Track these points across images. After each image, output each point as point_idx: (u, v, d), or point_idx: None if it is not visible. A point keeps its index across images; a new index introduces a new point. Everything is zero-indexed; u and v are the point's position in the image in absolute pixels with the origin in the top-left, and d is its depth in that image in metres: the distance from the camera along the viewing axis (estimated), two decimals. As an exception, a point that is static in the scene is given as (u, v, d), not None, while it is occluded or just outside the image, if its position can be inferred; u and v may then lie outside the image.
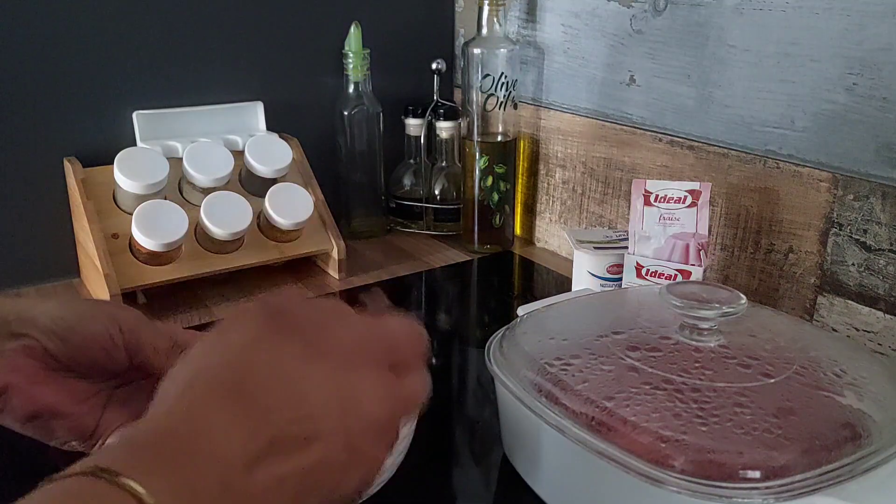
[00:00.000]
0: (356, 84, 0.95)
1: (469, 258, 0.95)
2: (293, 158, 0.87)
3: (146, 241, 0.74)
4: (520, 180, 1.00)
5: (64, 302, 0.40)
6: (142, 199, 0.77)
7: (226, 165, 0.81)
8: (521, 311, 0.62)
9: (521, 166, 1.00)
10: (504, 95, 0.91)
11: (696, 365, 0.46)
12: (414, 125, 1.00)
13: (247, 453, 0.27)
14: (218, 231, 0.77)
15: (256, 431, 0.27)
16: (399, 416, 0.32)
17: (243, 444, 0.27)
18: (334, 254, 0.87)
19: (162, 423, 0.27)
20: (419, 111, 0.99)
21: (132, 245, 0.77)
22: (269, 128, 0.92)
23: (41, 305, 0.39)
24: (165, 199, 0.78)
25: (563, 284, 0.86)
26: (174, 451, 0.26)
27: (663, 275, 0.68)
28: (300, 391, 0.29)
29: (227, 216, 0.78)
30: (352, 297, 0.83)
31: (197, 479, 0.25)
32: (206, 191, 0.80)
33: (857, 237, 0.65)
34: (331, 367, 0.30)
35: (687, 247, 0.67)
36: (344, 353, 0.31)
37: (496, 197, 0.94)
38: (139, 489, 0.24)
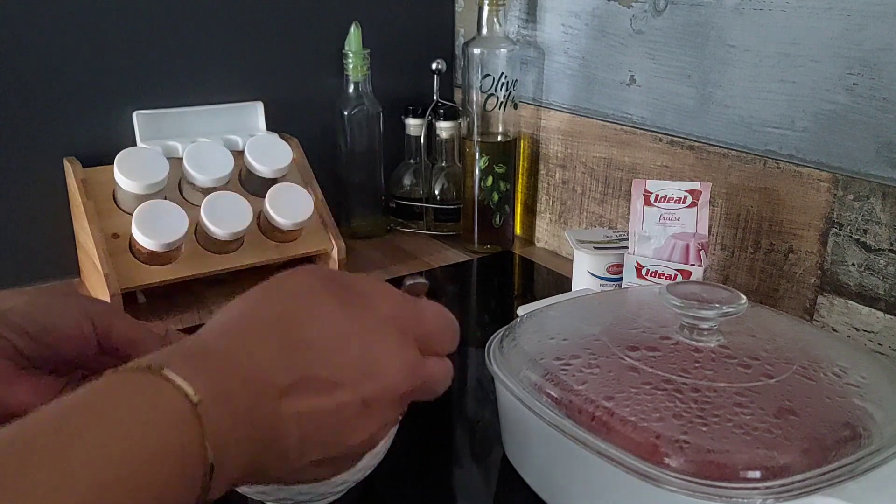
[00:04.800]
0: (356, 84, 0.95)
1: (469, 258, 0.95)
2: (293, 158, 0.87)
3: (146, 241, 0.74)
4: (520, 180, 1.00)
5: (33, 297, 0.40)
6: (142, 199, 0.77)
7: (226, 165, 0.81)
8: (521, 311, 0.62)
9: (521, 166, 1.00)
10: (504, 95, 0.91)
11: (696, 365, 0.46)
12: (414, 125, 1.00)
13: (280, 381, 0.30)
14: (218, 231, 0.77)
15: (292, 365, 0.31)
16: (413, 391, 0.34)
17: (279, 373, 0.30)
18: (334, 254, 0.87)
19: (210, 341, 0.30)
20: (419, 111, 0.99)
21: (132, 245, 0.77)
22: (269, 128, 0.92)
23: (9, 302, 0.38)
24: (165, 199, 0.78)
25: (563, 284, 0.86)
26: (219, 363, 0.29)
27: (663, 275, 0.68)
28: (336, 342, 0.32)
29: (227, 216, 0.78)
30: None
31: (235, 390, 0.29)
32: (206, 191, 0.80)
33: (858, 237, 0.65)
34: (366, 329, 0.33)
35: (687, 247, 0.67)
36: (381, 320, 0.34)
37: (496, 197, 0.94)
38: (185, 385, 0.27)
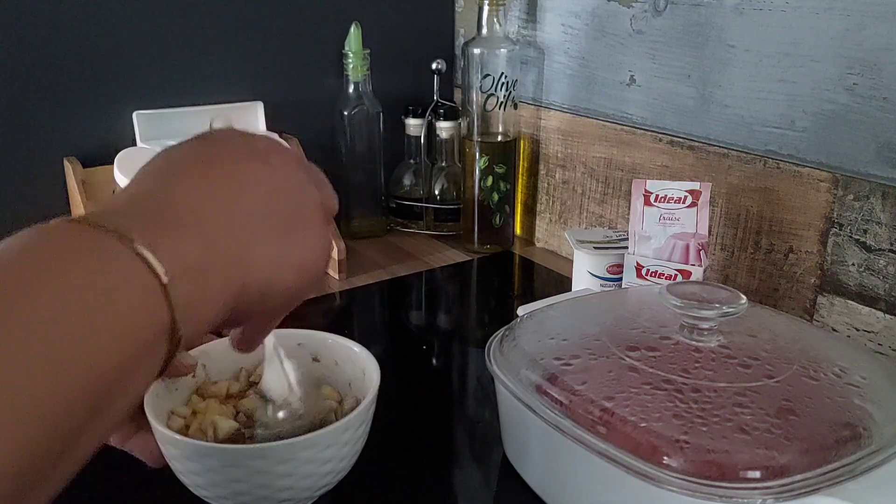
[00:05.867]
0: (356, 84, 0.95)
1: (469, 258, 0.95)
2: (293, 158, 0.86)
3: (146, 241, 0.74)
4: (520, 180, 1.00)
5: None
6: (142, 199, 0.76)
7: (226, 165, 0.81)
8: (521, 311, 0.62)
9: (521, 166, 1.00)
10: (504, 95, 0.91)
11: (696, 365, 0.46)
12: (414, 125, 1.00)
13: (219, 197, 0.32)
14: (218, 231, 0.77)
15: (218, 181, 0.33)
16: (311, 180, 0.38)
17: (213, 195, 0.32)
18: (334, 254, 0.86)
19: (147, 196, 0.32)
20: (419, 111, 0.99)
21: (132, 245, 0.77)
22: (269, 128, 0.92)
23: None
24: (165, 199, 0.78)
25: (563, 284, 0.86)
26: (168, 217, 0.30)
27: (663, 275, 0.68)
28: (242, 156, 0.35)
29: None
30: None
31: (187, 241, 0.30)
32: (206, 191, 0.80)
33: (857, 237, 0.65)
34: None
35: (687, 247, 0.67)
36: (265, 148, 0.37)
37: (496, 197, 0.94)
38: (154, 261, 0.27)
